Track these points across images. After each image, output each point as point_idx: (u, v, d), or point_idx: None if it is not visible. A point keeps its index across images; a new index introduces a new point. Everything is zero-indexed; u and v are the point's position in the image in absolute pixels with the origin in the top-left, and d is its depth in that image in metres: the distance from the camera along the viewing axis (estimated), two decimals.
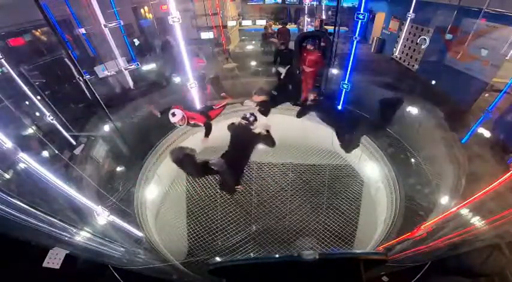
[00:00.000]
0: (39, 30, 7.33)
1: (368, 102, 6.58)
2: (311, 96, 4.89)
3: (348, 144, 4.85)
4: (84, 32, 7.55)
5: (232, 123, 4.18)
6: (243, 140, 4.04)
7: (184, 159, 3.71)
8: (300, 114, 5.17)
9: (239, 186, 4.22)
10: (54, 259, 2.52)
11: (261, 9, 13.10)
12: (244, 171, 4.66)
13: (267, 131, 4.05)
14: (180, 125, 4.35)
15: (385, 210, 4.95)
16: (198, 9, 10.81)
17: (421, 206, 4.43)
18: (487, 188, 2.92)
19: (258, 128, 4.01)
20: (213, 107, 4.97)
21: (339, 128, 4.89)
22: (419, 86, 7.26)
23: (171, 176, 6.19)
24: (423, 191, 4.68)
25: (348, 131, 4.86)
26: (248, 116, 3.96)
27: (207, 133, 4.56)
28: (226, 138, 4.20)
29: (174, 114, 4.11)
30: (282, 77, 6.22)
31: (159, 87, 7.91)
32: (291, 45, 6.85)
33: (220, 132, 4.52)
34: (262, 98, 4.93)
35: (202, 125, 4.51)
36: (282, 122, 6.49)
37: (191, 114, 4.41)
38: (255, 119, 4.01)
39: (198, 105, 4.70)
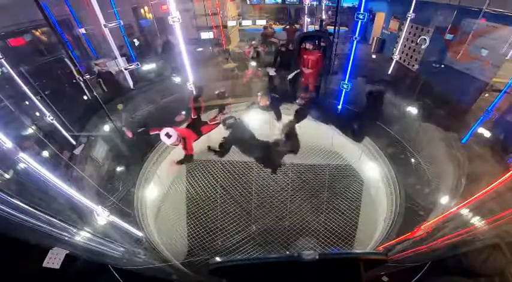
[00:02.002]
0: (39, 30, 7.33)
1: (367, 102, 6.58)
2: (302, 102, 4.85)
3: (357, 134, 4.72)
4: (84, 32, 7.56)
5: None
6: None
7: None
8: (299, 117, 5.13)
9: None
10: (54, 259, 2.52)
11: (261, 9, 13.10)
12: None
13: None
14: (176, 145, 4.08)
15: (385, 210, 4.95)
16: (198, 9, 10.81)
17: (421, 206, 4.43)
18: (487, 188, 2.92)
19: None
20: (208, 121, 4.64)
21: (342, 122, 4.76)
22: (419, 86, 7.25)
23: (171, 176, 6.19)
24: (423, 191, 4.68)
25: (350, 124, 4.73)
26: (228, 119, 4.05)
27: (182, 162, 4.24)
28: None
29: (169, 135, 3.74)
30: (271, 75, 6.25)
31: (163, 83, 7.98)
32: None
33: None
34: (267, 101, 4.87)
35: (184, 152, 4.09)
36: (282, 122, 6.50)
37: (183, 132, 4.11)
38: (234, 121, 4.07)
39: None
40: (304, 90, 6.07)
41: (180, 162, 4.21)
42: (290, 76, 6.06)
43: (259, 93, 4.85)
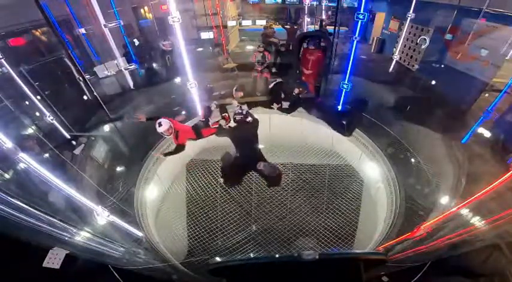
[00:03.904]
0: (39, 30, 7.31)
1: (368, 102, 6.59)
2: (296, 91, 4.85)
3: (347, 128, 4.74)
4: (84, 32, 7.55)
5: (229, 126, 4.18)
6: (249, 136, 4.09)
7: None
8: (290, 110, 5.12)
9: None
10: (54, 259, 2.52)
11: (261, 9, 13.10)
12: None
13: None
14: (168, 136, 4.14)
15: (385, 210, 4.95)
16: (198, 9, 10.81)
17: (421, 206, 4.43)
18: (487, 188, 2.92)
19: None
20: (211, 125, 4.67)
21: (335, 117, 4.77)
22: (419, 86, 7.25)
23: (171, 176, 6.19)
24: (423, 191, 4.68)
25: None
26: (240, 110, 4.03)
27: (170, 154, 4.35)
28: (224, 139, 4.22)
29: (160, 124, 3.93)
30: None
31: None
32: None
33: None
34: (241, 94, 4.87)
35: (175, 143, 4.24)
36: (282, 122, 6.50)
37: (180, 127, 4.20)
38: (247, 112, 4.08)
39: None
40: (303, 86, 5.98)
41: (168, 153, 4.41)
42: (271, 85, 5.93)
43: (234, 88, 4.89)
